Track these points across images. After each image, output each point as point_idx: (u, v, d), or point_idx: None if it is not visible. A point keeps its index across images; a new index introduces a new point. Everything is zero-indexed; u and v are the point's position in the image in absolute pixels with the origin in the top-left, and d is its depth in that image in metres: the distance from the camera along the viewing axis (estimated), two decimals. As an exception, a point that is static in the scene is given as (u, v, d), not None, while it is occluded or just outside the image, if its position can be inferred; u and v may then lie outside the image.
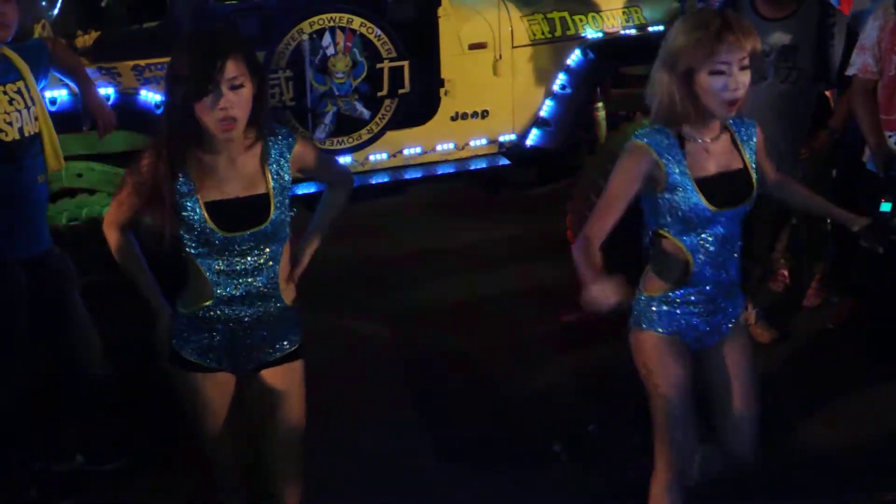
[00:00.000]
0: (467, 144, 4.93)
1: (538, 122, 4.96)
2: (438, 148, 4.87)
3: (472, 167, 4.94)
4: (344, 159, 4.66)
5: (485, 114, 4.92)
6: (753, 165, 2.46)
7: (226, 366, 2.46)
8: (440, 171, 4.90)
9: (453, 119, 4.86)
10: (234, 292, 2.37)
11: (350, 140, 4.62)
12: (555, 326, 4.27)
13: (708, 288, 2.45)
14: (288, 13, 4.32)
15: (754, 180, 2.44)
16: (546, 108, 4.94)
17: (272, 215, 2.34)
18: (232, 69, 2.17)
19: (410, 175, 4.85)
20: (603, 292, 2.17)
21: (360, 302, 4.75)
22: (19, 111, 3.04)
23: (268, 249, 2.37)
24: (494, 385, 3.98)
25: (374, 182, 4.76)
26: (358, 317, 4.57)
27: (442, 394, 3.93)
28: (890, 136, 3.60)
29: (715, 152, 2.41)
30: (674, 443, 2.51)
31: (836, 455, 3.43)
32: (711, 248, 2.41)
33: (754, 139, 2.49)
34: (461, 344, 4.32)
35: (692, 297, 2.46)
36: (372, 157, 4.74)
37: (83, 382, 3.34)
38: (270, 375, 2.50)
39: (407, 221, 5.70)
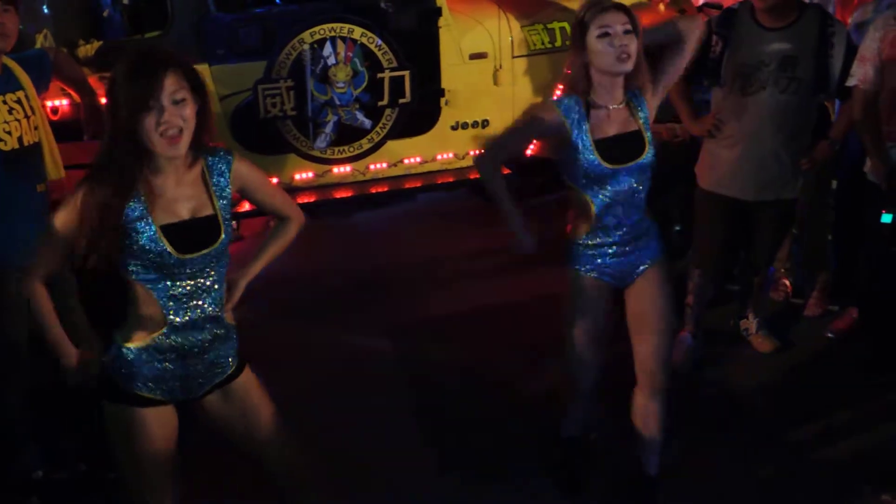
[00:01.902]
0: (467, 154, 4.94)
1: (538, 131, 4.97)
2: (439, 157, 4.89)
3: (472, 176, 4.95)
4: (344, 168, 4.67)
5: (485, 123, 4.93)
6: (647, 128, 2.80)
7: (177, 395, 2.39)
8: (440, 181, 4.91)
9: (454, 128, 4.88)
10: (185, 317, 2.32)
11: (351, 149, 4.63)
12: (557, 334, 4.26)
13: (618, 235, 2.87)
14: (289, 23, 4.34)
15: (647, 140, 2.79)
16: (546, 118, 4.94)
17: (222, 235, 2.31)
18: (172, 83, 2.15)
19: (411, 184, 4.86)
20: (521, 246, 2.93)
21: (361, 311, 4.74)
22: (18, 121, 3.04)
23: (214, 272, 2.34)
24: (497, 393, 3.97)
25: (374, 191, 4.77)
26: (358, 326, 4.57)
27: (444, 403, 3.92)
28: (891, 147, 3.61)
29: (615, 118, 2.78)
30: (579, 362, 3.03)
31: (835, 463, 3.43)
32: (612, 200, 2.81)
33: (645, 105, 2.82)
34: (463, 353, 4.31)
35: (601, 241, 2.89)
36: (372, 167, 4.75)
37: (85, 390, 3.33)
38: (229, 394, 2.47)
39: (407, 230, 5.70)
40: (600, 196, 2.81)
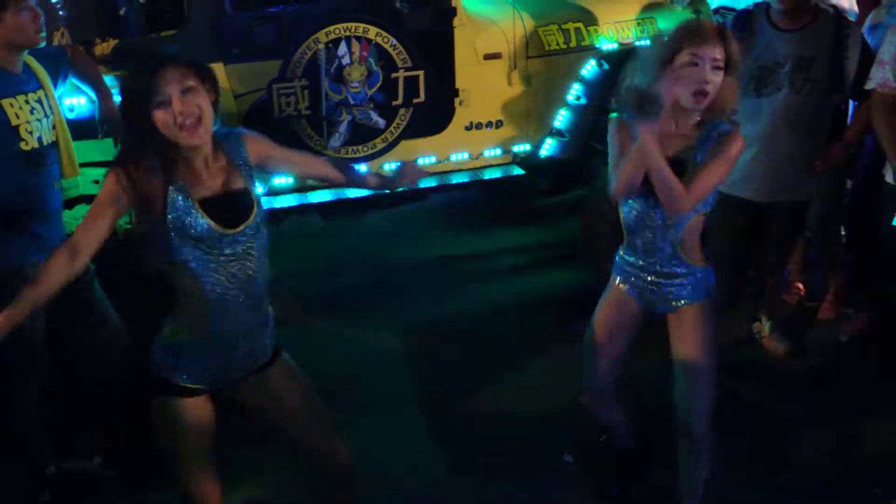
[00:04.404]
0: (481, 154, 4.94)
1: (552, 132, 4.97)
2: (453, 157, 4.88)
3: (486, 177, 4.95)
4: (359, 167, 4.67)
5: (499, 123, 4.93)
6: (697, 161, 2.61)
7: (219, 383, 2.46)
8: (454, 181, 4.91)
9: (468, 128, 4.87)
10: (229, 307, 2.37)
11: (365, 149, 4.63)
12: (568, 334, 4.26)
13: (647, 261, 2.79)
14: (304, 22, 4.34)
15: (689, 173, 2.60)
16: (560, 119, 4.94)
17: (255, 208, 2.37)
18: (175, 74, 2.21)
19: (425, 184, 4.86)
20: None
21: (373, 310, 4.75)
22: (39, 120, 3.07)
23: (255, 254, 2.38)
24: (507, 394, 3.97)
25: (388, 190, 4.77)
26: (371, 325, 4.58)
27: (455, 402, 3.93)
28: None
29: (674, 138, 2.64)
30: (589, 362, 2.98)
31: (848, 467, 3.42)
32: (639, 217, 2.72)
33: (710, 143, 2.62)
34: (476, 352, 4.32)
35: (631, 260, 2.84)
36: (386, 166, 4.75)
37: (103, 383, 3.35)
38: (265, 380, 2.54)
39: (421, 230, 5.71)
40: (629, 205, 2.75)
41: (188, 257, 2.31)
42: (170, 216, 2.26)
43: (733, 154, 2.62)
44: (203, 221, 2.28)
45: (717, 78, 2.55)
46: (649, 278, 2.81)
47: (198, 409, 2.44)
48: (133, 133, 2.25)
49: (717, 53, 2.54)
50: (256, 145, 2.46)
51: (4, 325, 2.21)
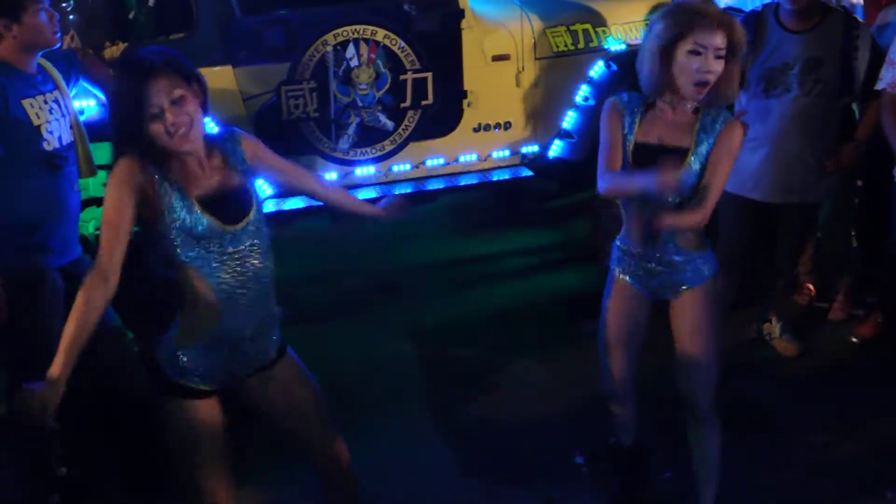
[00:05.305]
0: (490, 156, 4.94)
1: (561, 133, 4.96)
2: (461, 159, 4.89)
3: (495, 178, 4.95)
4: (367, 169, 4.68)
5: (507, 125, 4.93)
6: (700, 151, 2.60)
7: (226, 382, 2.47)
8: (463, 182, 4.91)
9: (476, 130, 4.87)
10: (235, 306, 2.37)
11: (373, 151, 4.64)
12: (578, 337, 4.26)
13: (653, 248, 2.75)
14: (312, 25, 4.35)
15: (689, 162, 2.59)
16: (569, 120, 4.94)
17: (253, 205, 2.38)
18: (165, 85, 2.19)
19: (433, 186, 4.87)
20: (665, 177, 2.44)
21: (381, 312, 4.75)
22: (58, 120, 3.08)
23: (258, 253, 2.39)
24: (517, 396, 3.97)
25: (396, 193, 4.78)
26: (378, 328, 4.58)
27: (463, 406, 3.92)
28: (919, 150, 3.57)
29: (669, 125, 2.62)
30: (606, 361, 2.95)
31: (859, 468, 3.41)
32: (639, 207, 2.70)
33: (717, 130, 2.61)
34: (484, 355, 4.31)
35: (631, 249, 2.80)
36: (395, 168, 4.76)
37: (114, 391, 3.35)
38: (271, 378, 2.54)
39: (429, 232, 5.71)
40: (643, 205, 2.71)
41: (192, 257, 2.31)
42: (170, 216, 2.27)
43: (737, 147, 2.64)
44: (204, 219, 2.29)
45: (718, 67, 2.51)
46: (650, 265, 2.79)
47: (206, 410, 2.44)
48: (125, 138, 2.25)
49: (720, 42, 2.49)
50: (252, 146, 2.47)
51: (57, 388, 2.13)
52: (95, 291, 2.21)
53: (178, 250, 2.30)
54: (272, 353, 2.54)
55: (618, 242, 2.88)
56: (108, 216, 2.24)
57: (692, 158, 2.61)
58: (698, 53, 2.49)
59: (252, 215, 2.37)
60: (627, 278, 2.86)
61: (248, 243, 2.37)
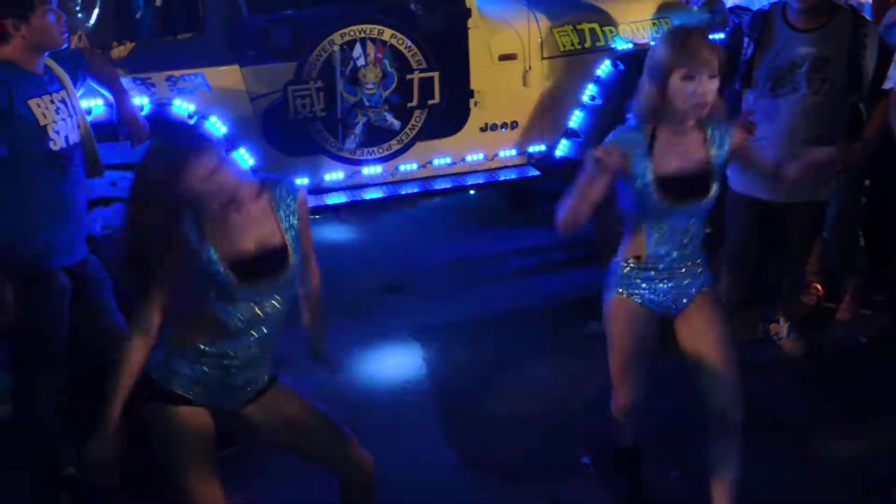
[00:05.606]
0: (497, 155, 4.94)
1: (567, 133, 4.96)
2: (468, 158, 4.89)
3: (502, 178, 4.96)
4: (374, 169, 4.69)
5: (514, 125, 4.93)
6: (717, 168, 2.69)
7: (215, 402, 2.42)
8: (469, 182, 4.91)
9: (483, 130, 4.88)
10: (246, 335, 2.37)
11: (380, 150, 4.64)
12: (584, 337, 4.26)
13: (661, 266, 2.76)
14: (319, 25, 4.36)
15: (712, 180, 2.67)
16: (575, 119, 4.94)
17: (291, 264, 2.36)
18: (203, 171, 2.17)
19: (440, 185, 4.87)
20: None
21: (388, 312, 4.76)
22: (64, 120, 3.09)
23: (284, 295, 2.40)
24: (522, 396, 3.97)
25: (403, 192, 4.78)
26: (386, 327, 4.58)
27: (470, 405, 3.92)
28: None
29: (682, 151, 2.66)
30: (622, 385, 2.92)
31: (867, 468, 3.40)
32: (667, 233, 2.72)
33: (727, 142, 2.70)
34: (492, 354, 4.31)
35: (649, 269, 2.78)
36: (402, 168, 4.76)
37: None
38: (266, 404, 2.51)
39: (435, 231, 5.71)
40: (655, 230, 2.74)
41: (212, 294, 2.31)
42: (198, 266, 2.27)
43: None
44: (230, 279, 2.28)
45: (714, 85, 2.58)
46: (664, 285, 2.79)
47: (192, 418, 2.39)
48: (158, 223, 2.19)
49: (712, 64, 2.56)
50: (304, 207, 2.45)
51: (116, 441, 2.29)
52: (142, 351, 2.30)
53: (199, 288, 2.30)
54: (264, 383, 2.50)
55: (620, 261, 2.84)
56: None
57: (713, 175, 2.69)
58: (692, 78, 2.56)
59: (283, 275, 2.35)
60: (638, 301, 2.81)
61: (271, 294, 2.37)
